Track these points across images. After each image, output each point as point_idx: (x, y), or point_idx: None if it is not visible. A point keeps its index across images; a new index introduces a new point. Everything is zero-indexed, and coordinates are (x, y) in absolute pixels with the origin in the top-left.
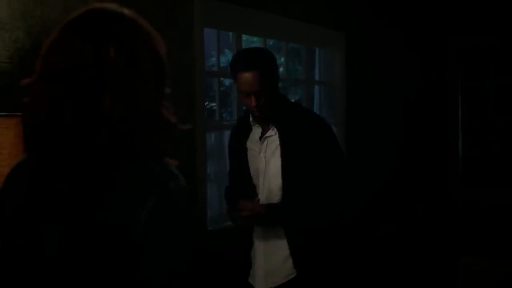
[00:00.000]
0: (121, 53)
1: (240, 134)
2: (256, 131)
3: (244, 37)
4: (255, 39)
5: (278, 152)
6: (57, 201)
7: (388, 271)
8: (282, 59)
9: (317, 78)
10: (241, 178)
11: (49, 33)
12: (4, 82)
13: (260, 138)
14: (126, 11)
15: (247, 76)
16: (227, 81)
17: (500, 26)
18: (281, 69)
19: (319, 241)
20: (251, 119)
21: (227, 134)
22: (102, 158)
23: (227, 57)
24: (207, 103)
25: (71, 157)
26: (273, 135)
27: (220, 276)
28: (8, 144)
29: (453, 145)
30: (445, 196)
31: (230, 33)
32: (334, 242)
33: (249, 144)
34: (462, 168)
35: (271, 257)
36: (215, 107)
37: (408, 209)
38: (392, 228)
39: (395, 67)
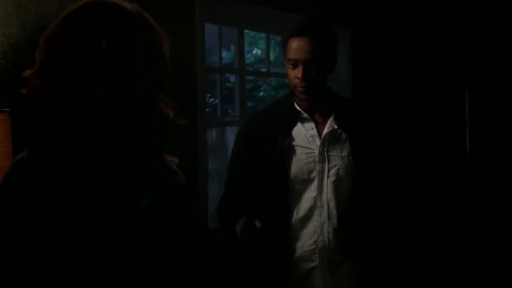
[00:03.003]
0: (113, 45)
1: (277, 125)
2: (306, 124)
3: (251, 33)
4: (262, 35)
5: (346, 151)
6: (56, 197)
7: (392, 270)
8: None
9: None
10: (274, 185)
11: (44, 28)
12: None
13: (317, 132)
14: (126, 4)
15: (298, 42)
16: (232, 78)
17: (508, 23)
18: None
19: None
20: (297, 106)
21: (228, 130)
22: (96, 152)
23: (232, 52)
24: (212, 99)
25: (65, 150)
26: (335, 128)
27: (221, 274)
28: None
29: (460, 140)
30: (452, 193)
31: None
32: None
33: (296, 141)
34: (470, 165)
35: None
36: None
37: (412, 206)
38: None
39: (401, 64)
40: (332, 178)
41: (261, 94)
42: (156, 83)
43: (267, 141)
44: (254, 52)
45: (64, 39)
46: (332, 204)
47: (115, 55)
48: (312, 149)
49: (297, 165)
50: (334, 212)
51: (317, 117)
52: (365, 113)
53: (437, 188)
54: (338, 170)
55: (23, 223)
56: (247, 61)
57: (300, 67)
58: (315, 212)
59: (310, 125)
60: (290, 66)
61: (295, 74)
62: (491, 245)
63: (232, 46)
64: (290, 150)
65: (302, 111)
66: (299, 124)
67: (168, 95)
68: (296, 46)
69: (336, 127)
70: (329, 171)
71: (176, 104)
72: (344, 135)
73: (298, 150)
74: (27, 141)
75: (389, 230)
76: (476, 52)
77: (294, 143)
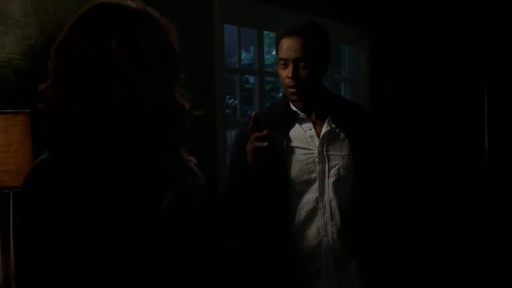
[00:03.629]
0: (123, 44)
1: (275, 126)
2: (304, 125)
3: (271, 34)
4: None
5: (345, 150)
6: (76, 199)
7: (406, 272)
8: None
9: (346, 75)
10: (274, 188)
11: (62, 30)
12: (16, 79)
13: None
14: (129, 2)
15: (289, 41)
16: (251, 79)
17: None
18: None
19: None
20: (293, 107)
21: None
22: (114, 152)
23: (251, 54)
24: (232, 100)
25: (83, 153)
26: (333, 127)
27: (238, 272)
28: (15, 141)
29: (479, 141)
30: (470, 194)
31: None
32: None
33: (294, 142)
34: (488, 166)
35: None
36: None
37: (430, 208)
38: (411, 226)
39: (419, 64)
40: (333, 178)
41: (280, 95)
42: (169, 75)
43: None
44: (273, 53)
45: (73, 47)
46: (334, 204)
47: (126, 53)
48: (311, 149)
49: (296, 166)
50: (336, 212)
51: (315, 117)
52: (363, 110)
53: (455, 189)
54: (338, 169)
55: (44, 225)
56: (266, 62)
57: (291, 66)
58: (318, 213)
59: (308, 125)
60: (281, 66)
61: (286, 73)
62: (509, 246)
63: (252, 47)
64: (288, 152)
65: (299, 111)
66: (297, 125)
67: (183, 86)
68: (286, 45)
69: (334, 126)
70: (329, 171)
71: (197, 105)
72: (342, 134)
73: (297, 151)
74: (46, 145)
75: (393, 227)
76: (495, 53)
77: (292, 144)
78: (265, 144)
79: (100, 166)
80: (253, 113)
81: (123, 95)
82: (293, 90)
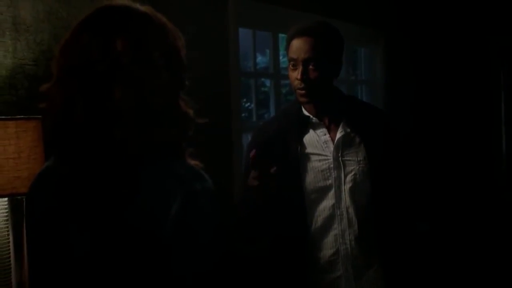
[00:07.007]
0: (129, 46)
1: (287, 133)
2: (318, 130)
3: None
4: None
5: (361, 155)
6: (83, 204)
7: (427, 276)
8: None
9: (363, 77)
10: (289, 196)
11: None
12: (29, 85)
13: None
14: (137, 5)
15: (299, 41)
16: (267, 82)
17: None
18: None
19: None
20: (305, 112)
21: None
22: (119, 155)
23: (267, 57)
24: (248, 103)
25: (89, 157)
26: (348, 132)
27: (255, 281)
28: (26, 147)
29: (496, 142)
30: (488, 194)
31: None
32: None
33: (308, 148)
34: (506, 166)
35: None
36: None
37: (448, 209)
38: (429, 228)
39: (436, 65)
40: (349, 184)
41: None
42: (175, 81)
43: (277, 151)
44: None
45: (79, 47)
46: (352, 211)
47: (131, 54)
48: (326, 155)
49: (311, 173)
50: (354, 219)
51: (328, 121)
52: (377, 112)
53: (473, 189)
54: (354, 175)
55: (51, 232)
56: (282, 65)
57: (300, 67)
58: (335, 220)
59: (322, 130)
60: (291, 67)
61: (295, 75)
62: None
63: (267, 50)
64: (303, 158)
65: (311, 116)
66: (310, 130)
67: (203, 100)
68: (296, 45)
69: (349, 130)
70: (345, 177)
71: (212, 109)
72: (358, 138)
73: (312, 158)
74: (51, 147)
75: (412, 231)
76: (510, 52)
77: (306, 150)
78: (258, 183)
79: (106, 170)
80: (253, 152)
81: (127, 95)
82: (302, 91)
